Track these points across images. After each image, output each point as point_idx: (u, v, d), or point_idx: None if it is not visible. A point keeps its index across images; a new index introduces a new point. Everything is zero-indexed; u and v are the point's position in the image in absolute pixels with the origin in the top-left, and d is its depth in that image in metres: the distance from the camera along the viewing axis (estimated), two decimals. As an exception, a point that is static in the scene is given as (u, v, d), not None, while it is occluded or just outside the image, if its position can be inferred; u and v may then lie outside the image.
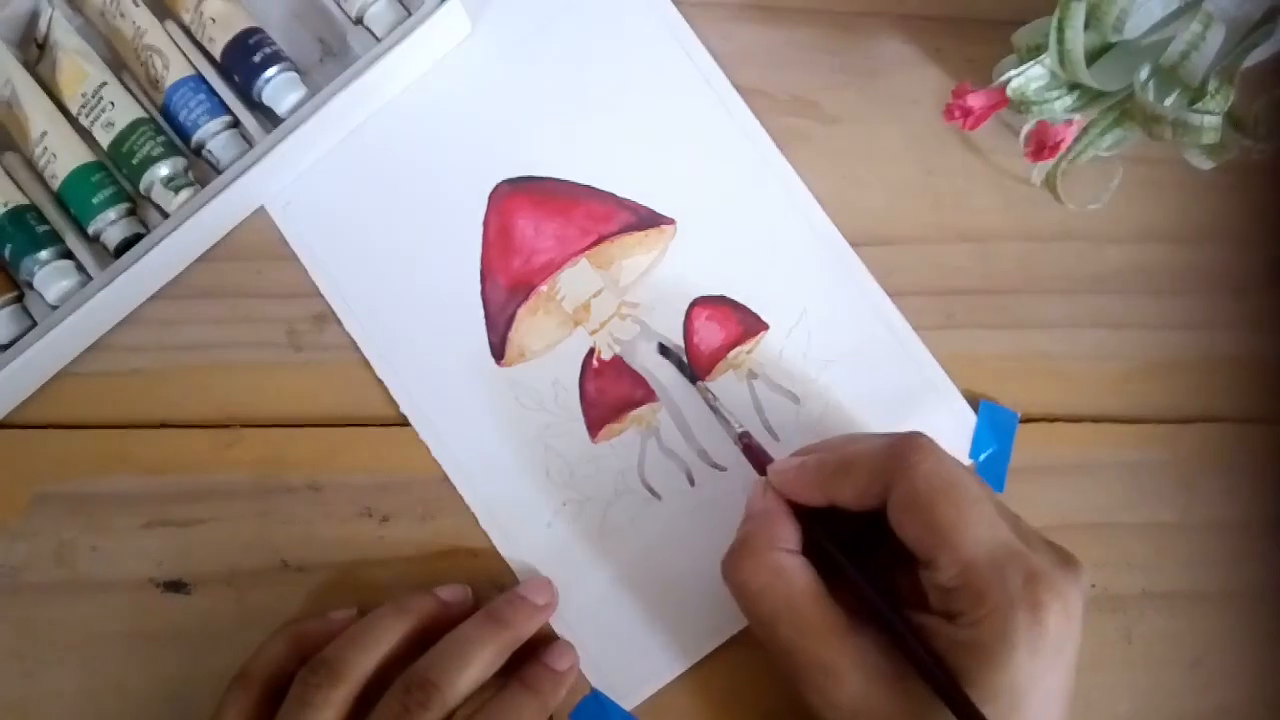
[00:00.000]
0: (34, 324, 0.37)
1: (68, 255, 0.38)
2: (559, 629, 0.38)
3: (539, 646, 0.37)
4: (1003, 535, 0.30)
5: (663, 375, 0.39)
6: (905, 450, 0.31)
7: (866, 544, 0.33)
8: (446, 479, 0.38)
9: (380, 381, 0.39)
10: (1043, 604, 0.29)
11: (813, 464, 0.33)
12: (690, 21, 0.41)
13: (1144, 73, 0.36)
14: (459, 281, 0.39)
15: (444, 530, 0.38)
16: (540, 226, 0.40)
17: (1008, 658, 0.28)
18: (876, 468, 0.31)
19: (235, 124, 0.39)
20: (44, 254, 0.37)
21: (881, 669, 0.30)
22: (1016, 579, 0.29)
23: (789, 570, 0.31)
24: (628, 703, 0.38)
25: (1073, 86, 0.37)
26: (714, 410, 0.37)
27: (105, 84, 0.38)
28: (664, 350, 0.39)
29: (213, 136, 0.38)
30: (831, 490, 0.32)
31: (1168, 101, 0.36)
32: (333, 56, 0.40)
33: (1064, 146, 0.37)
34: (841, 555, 0.32)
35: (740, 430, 0.37)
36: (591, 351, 0.39)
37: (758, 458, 0.36)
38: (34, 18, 0.39)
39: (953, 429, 0.39)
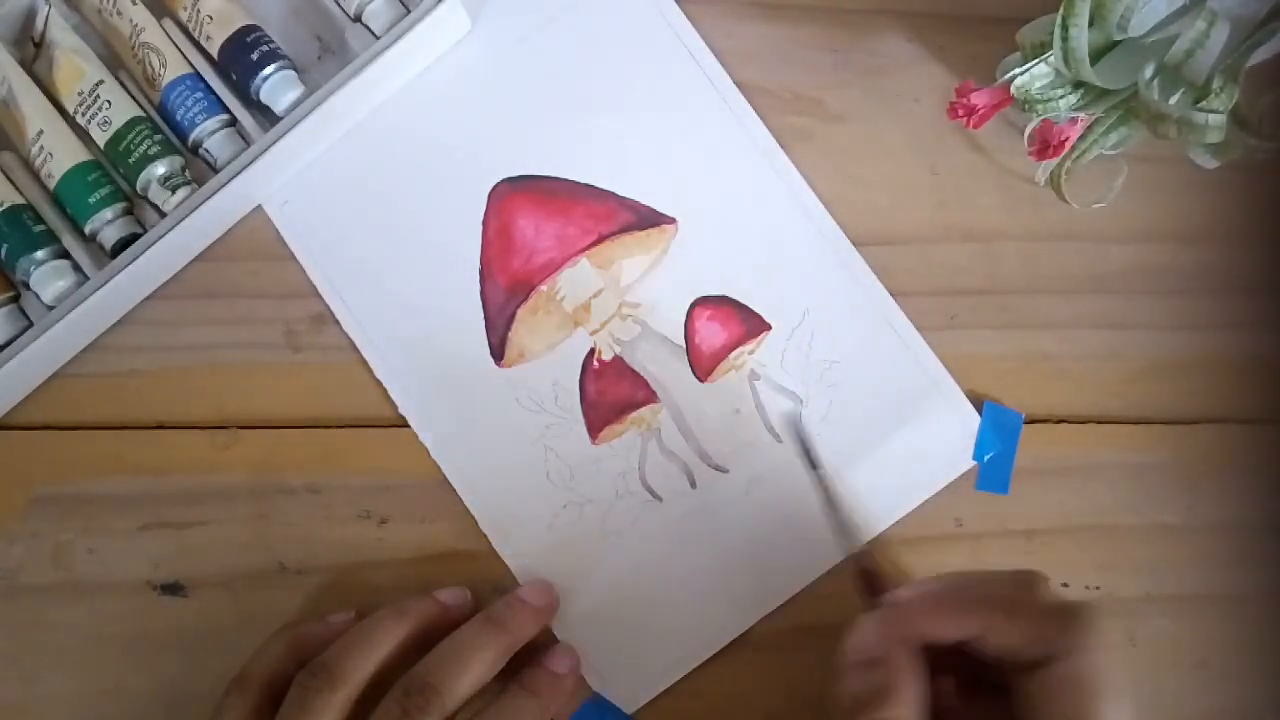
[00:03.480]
0: (30, 324, 0.37)
1: (64, 255, 0.37)
2: (559, 632, 0.38)
3: (539, 650, 0.37)
4: None
5: (664, 376, 0.39)
6: (1083, 622, 0.29)
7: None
8: (446, 481, 0.38)
9: (379, 382, 0.39)
10: None
11: (950, 593, 0.31)
12: (692, 19, 0.41)
13: (1148, 71, 0.36)
14: (458, 281, 0.39)
15: (443, 532, 0.38)
16: (540, 226, 0.40)
17: None
18: (1052, 626, 0.29)
19: (232, 122, 0.39)
20: (40, 254, 0.37)
21: None
22: None
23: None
24: (629, 706, 0.37)
25: (1077, 84, 0.37)
26: (831, 507, 0.35)
27: (102, 82, 0.38)
28: (795, 427, 0.37)
29: (210, 135, 0.38)
30: (993, 626, 0.30)
31: (1172, 100, 0.36)
32: (331, 54, 0.40)
33: (1068, 145, 0.37)
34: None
35: (861, 549, 0.34)
36: (592, 352, 0.39)
37: (873, 583, 0.33)
38: (31, 16, 0.39)
39: (956, 430, 0.39)
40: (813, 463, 0.36)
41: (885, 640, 0.30)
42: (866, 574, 0.33)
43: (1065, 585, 0.40)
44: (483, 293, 0.39)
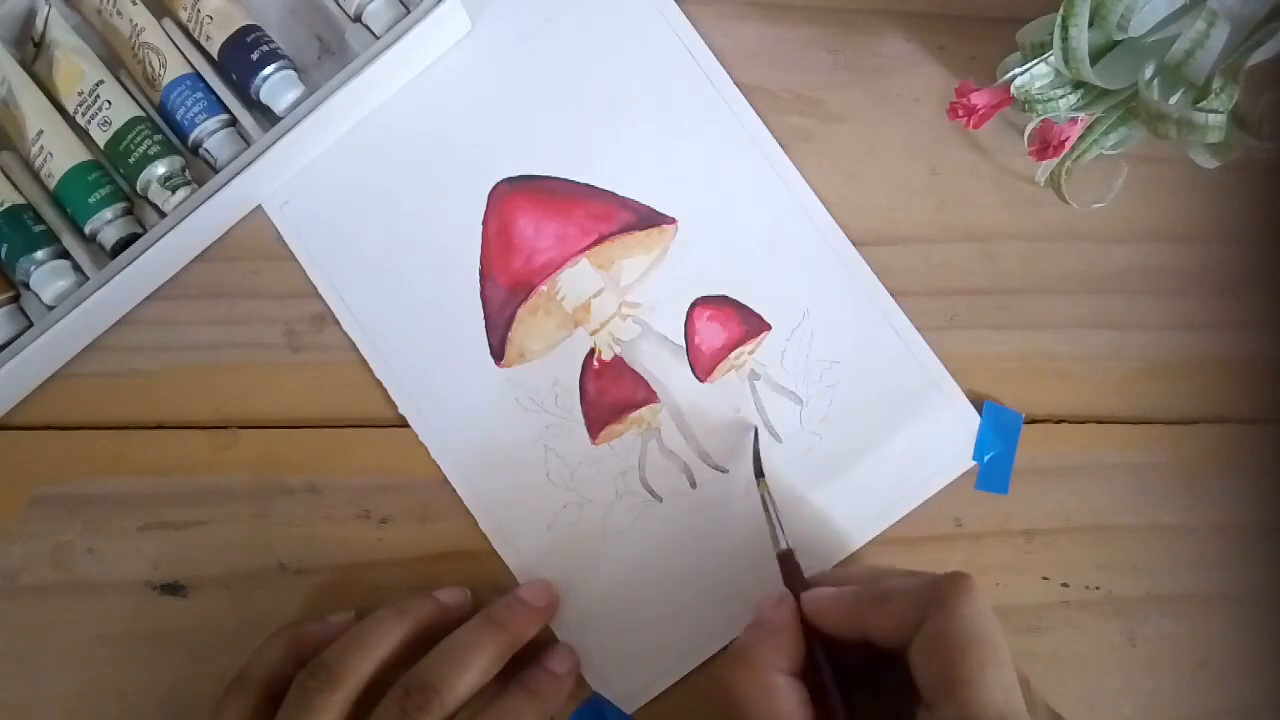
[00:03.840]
0: (30, 324, 0.37)
1: (64, 255, 0.37)
2: (559, 632, 0.38)
3: (539, 650, 0.37)
4: (1015, 705, 0.29)
5: (664, 375, 0.39)
6: (948, 589, 0.30)
7: (868, 681, 0.33)
8: (445, 481, 0.38)
9: (379, 382, 0.39)
10: None
11: (849, 595, 0.33)
12: (692, 19, 0.41)
13: (1148, 71, 0.36)
14: (458, 281, 0.39)
15: (443, 532, 0.38)
16: (540, 226, 0.40)
17: None
18: (915, 601, 0.31)
19: (233, 122, 0.39)
20: (40, 254, 0.37)
21: None
22: None
23: (780, 692, 0.31)
24: (628, 706, 0.37)
25: (1077, 85, 0.37)
26: (767, 512, 0.36)
27: (102, 82, 0.38)
28: (755, 436, 0.38)
29: (210, 135, 0.38)
30: (867, 621, 0.32)
31: (1172, 100, 0.36)
32: (331, 54, 0.40)
33: (1068, 145, 0.37)
34: (833, 686, 0.32)
35: (785, 548, 0.35)
36: (592, 352, 0.39)
37: (793, 576, 0.35)
38: (31, 16, 0.39)
39: (956, 430, 0.39)
40: (758, 472, 0.37)
41: (779, 611, 0.33)
42: (788, 569, 0.35)
43: (1065, 585, 0.40)
44: (483, 293, 0.39)
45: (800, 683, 0.32)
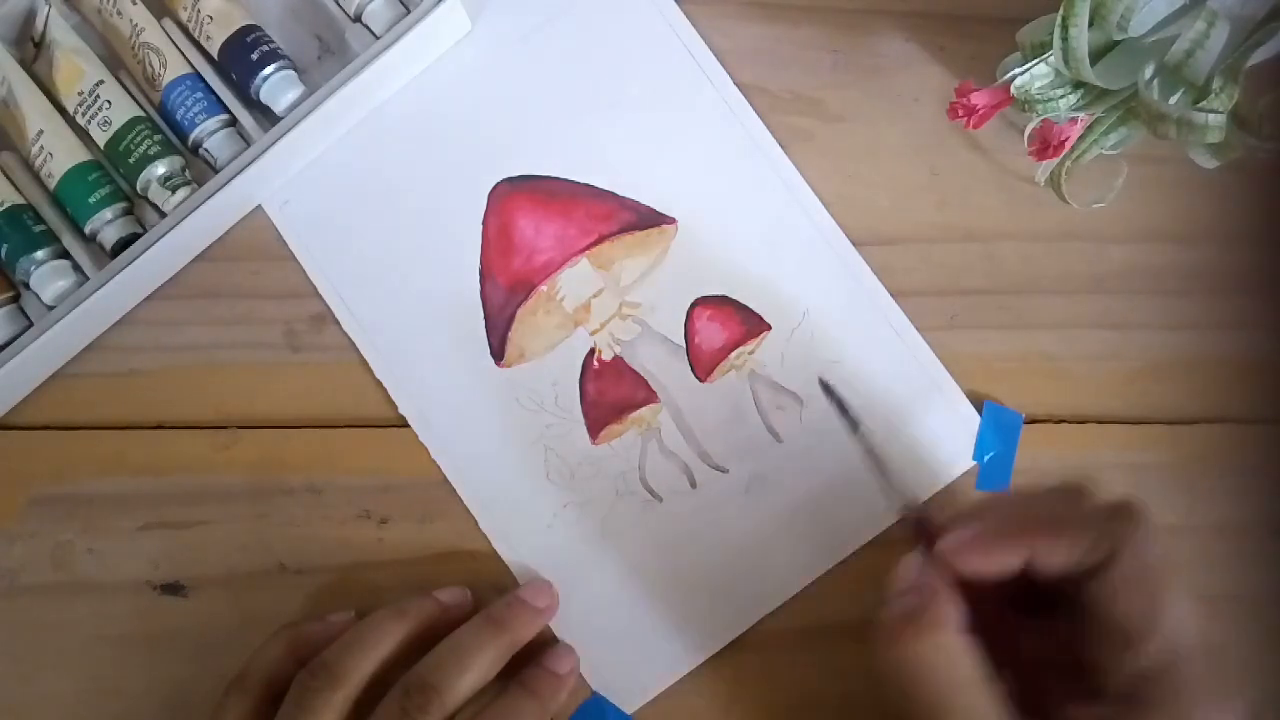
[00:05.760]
0: (30, 324, 0.37)
1: (64, 255, 0.37)
2: (559, 632, 0.38)
3: (539, 650, 0.37)
4: (1206, 629, 0.29)
5: (664, 375, 0.39)
6: (1138, 519, 0.30)
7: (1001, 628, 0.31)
8: (446, 481, 0.38)
9: (379, 382, 0.39)
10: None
11: (992, 529, 0.31)
12: (692, 19, 0.41)
13: (1148, 71, 0.36)
14: (458, 281, 0.39)
15: (443, 532, 0.38)
16: (540, 226, 0.40)
17: None
18: (1101, 530, 0.30)
19: (233, 122, 0.39)
20: (40, 254, 0.37)
21: None
22: (1225, 677, 0.28)
23: (960, 653, 0.29)
24: (629, 706, 0.37)
25: (1077, 85, 0.37)
26: (874, 462, 0.34)
27: (102, 82, 0.38)
28: (825, 388, 0.37)
29: (210, 135, 0.38)
30: (1037, 551, 0.30)
31: (1172, 100, 0.36)
32: (331, 54, 0.40)
33: (1068, 145, 0.37)
34: (1013, 637, 0.30)
35: (905, 505, 0.33)
36: (592, 352, 0.39)
37: (927, 533, 0.32)
38: (31, 16, 0.39)
39: (956, 430, 0.39)
40: (852, 424, 0.36)
41: (925, 573, 0.31)
42: (921, 528, 0.33)
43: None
44: (483, 293, 0.39)
45: (974, 639, 0.29)
